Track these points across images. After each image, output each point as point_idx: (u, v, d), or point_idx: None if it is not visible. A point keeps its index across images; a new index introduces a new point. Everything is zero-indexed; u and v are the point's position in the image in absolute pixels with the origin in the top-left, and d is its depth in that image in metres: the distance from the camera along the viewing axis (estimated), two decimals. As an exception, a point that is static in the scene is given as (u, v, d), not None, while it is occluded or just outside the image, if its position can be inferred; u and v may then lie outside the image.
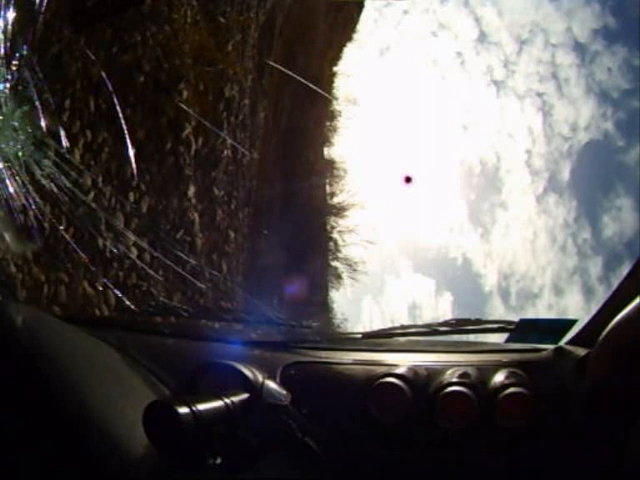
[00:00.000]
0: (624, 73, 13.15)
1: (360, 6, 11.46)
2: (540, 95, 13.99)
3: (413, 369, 1.01)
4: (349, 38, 11.89)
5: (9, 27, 1.86)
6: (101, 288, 2.83)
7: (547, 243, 14.33)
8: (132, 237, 3.23)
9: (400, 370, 1.00)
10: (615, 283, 1.00)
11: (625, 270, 1.00)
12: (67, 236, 2.50)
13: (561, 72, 14.05)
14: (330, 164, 10.95)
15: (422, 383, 0.99)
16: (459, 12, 15.36)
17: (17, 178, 1.76)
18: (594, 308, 1.02)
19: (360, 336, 1.16)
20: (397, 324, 1.18)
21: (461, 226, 16.32)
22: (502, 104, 15.72)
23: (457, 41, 14.33)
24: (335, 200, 10.80)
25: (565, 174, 15.01)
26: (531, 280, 14.43)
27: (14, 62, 1.90)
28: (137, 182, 3.54)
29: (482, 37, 14.23)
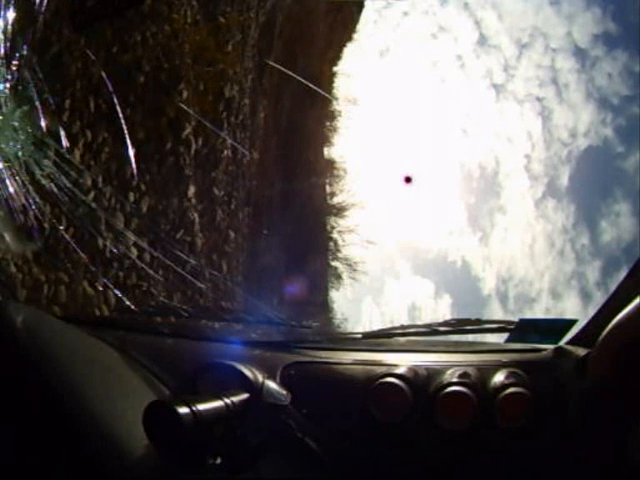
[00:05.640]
0: (624, 79, 13.16)
1: (360, 6, 11.47)
2: (540, 100, 14.01)
3: (413, 369, 1.01)
4: (349, 38, 11.90)
5: (9, 27, 1.86)
6: (101, 288, 2.83)
7: (545, 248, 14.35)
8: (132, 237, 3.23)
9: (400, 370, 1.00)
10: (613, 288, 1.00)
11: (623, 275, 1.00)
12: (67, 236, 2.50)
13: (561, 77, 14.08)
14: (330, 164, 10.96)
15: (422, 383, 0.99)
16: (459, 14, 15.36)
17: (17, 178, 1.76)
18: (592, 312, 1.02)
19: (360, 336, 1.16)
20: (397, 325, 1.18)
21: (460, 229, 16.36)
22: (501, 108, 15.74)
23: (457, 44, 14.35)
24: (335, 200, 10.82)
25: (564, 179, 15.02)
26: (529, 284, 14.45)
27: (14, 62, 1.89)
28: (137, 182, 3.54)
29: (482, 40, 14.24)
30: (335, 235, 10.84)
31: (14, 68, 1.90)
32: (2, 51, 1.85)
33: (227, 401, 0.78)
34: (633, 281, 0.98)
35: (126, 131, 2.85)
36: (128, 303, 1.56)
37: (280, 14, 7.84)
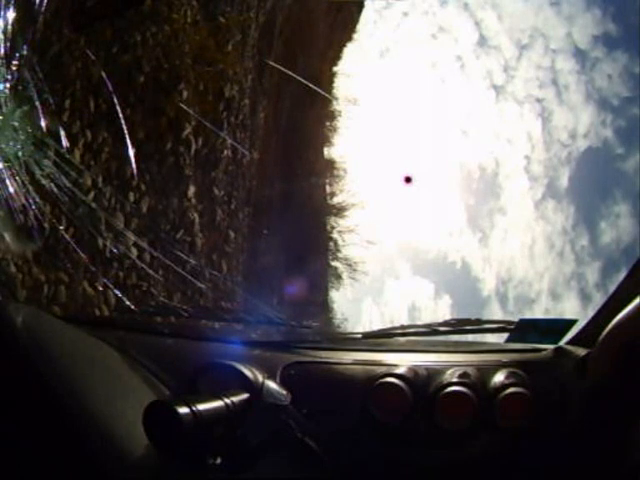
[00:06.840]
0: (624, 80, 13.16)
1: (360, 6, 11.48)
2: (539, 101, 14.01)
3: (413, 369, 1.01)
4: (349, 38, 11.91)
5: (9, 27, 1.86)
6: (101, 288, 2.83)
7: (545, 248, 14.36)
8: (132, 237, 3.23)
9: (400, 370, 1.00)
10: (612, 288, 1.00)
11: (623, 276, 1.00)
12: (67, 236, 2.50)
13: (561, 78, 14.08)
14: (330, 164, 10.97)
15: (422, 383, 0.99)
16: (459, 15, 15.35)
17: (17, 178, 1.76)
18: (592, 312, 1.02)
19: (360, 336, 1.16)
20: (397, 325, 1.18)
21: (460, 230, 16.35)
22: (501, 109, 15.74)
23: (457, 44, 14.36)
24: (335, 200, 10.83)
25: (564, 180, 15.01)
26: (529, 285, 14.43)
27: (14, 62, 1.89)
28: (137, 182, 3.54)
29: (482, 41, 14.25)
30: (335, 235, 10.87)
31: (14, 68, 1.90)
32: (2, 51, 1.84)
33: (227, 401, 0.78)
34: (633, 281, 0.98)
35: (126, 131, 2.85)
36: (128, 303, 1.56)
37: (280, 14, 7.84)
